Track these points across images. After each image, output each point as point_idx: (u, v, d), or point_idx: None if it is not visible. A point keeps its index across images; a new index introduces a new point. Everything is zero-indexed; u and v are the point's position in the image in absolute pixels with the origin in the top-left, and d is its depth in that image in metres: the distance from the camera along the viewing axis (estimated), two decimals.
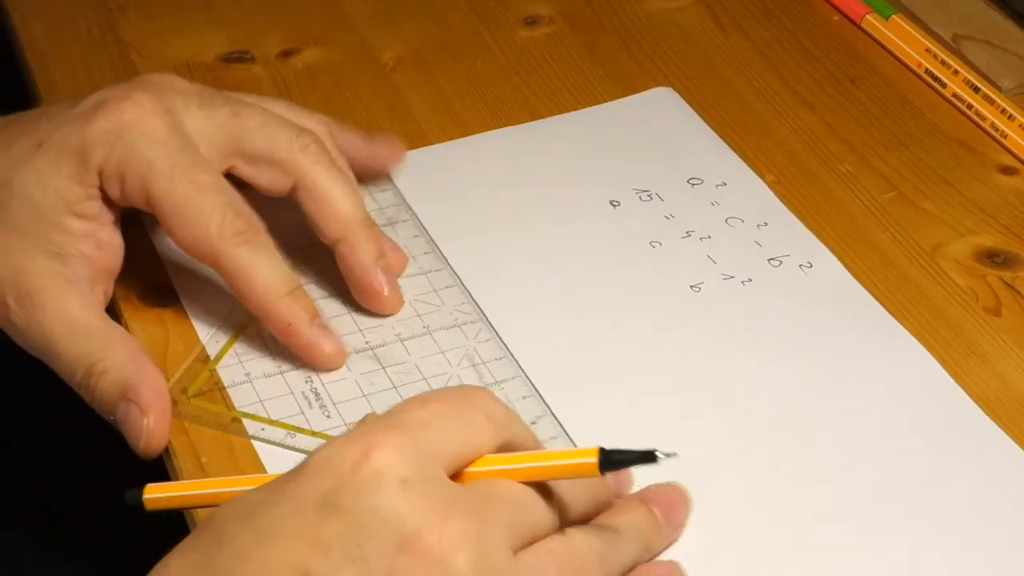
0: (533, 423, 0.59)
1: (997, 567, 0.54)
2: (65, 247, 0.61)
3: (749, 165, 0.72)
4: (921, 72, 0.78)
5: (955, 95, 0.76)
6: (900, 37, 0.80)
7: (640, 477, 0.54)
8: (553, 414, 0.59)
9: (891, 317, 0.64)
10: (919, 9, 0.82)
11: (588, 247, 0.68)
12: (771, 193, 0.71)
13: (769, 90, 0.78)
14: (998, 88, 0.76)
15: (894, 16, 0.81)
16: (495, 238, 0.68)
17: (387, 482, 0.46)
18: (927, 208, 0.70)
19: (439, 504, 0.46)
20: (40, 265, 0.60)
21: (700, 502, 0.55)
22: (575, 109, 0.76)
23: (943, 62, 0.77)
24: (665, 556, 0.54)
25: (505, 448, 0.50)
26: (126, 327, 0.63)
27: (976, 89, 0.76)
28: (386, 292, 0.63)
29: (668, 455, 0.48)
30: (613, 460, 0.49)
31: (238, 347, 0.62)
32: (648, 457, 0.48)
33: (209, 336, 0.63)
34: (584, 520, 0.52)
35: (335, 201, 0.63)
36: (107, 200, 0.61)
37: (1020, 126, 0.73)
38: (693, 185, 0.71)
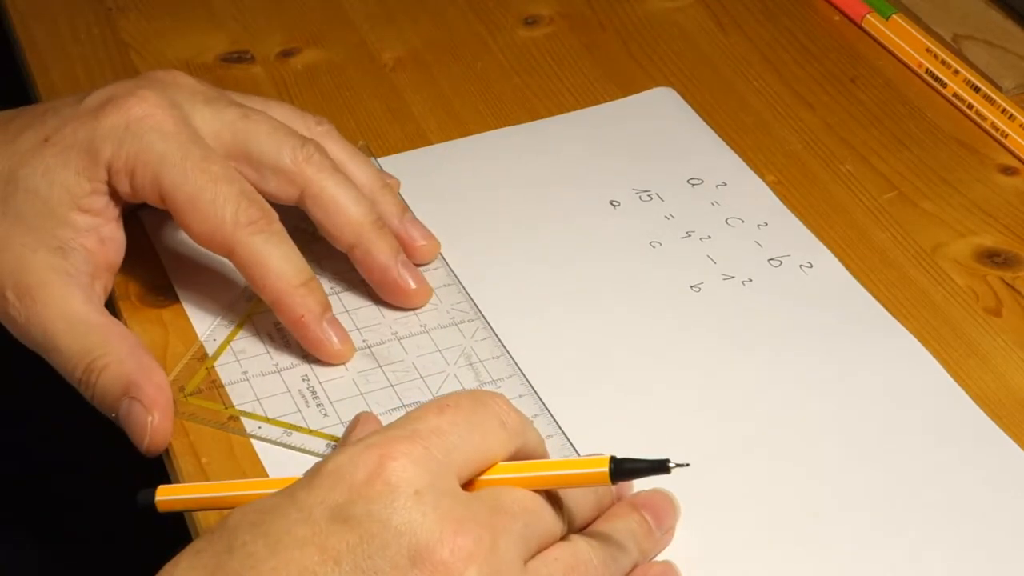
0: None
1: (997, 567, 0.54)
2: (68, 241, 0.61)
3: (749, 165, 0.72)
4: (921, 72, 0.78)
5: (955, 95, 0.76)
6: (900, 37, 0.80)
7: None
8: (550, 412, 0.59)
9: (891, 317, 0.64)
10: (919, 9, 0.82)
11: (588, 247, 0.68)
12: (771, 193, 0.71)
13: (769, 90, 0.78)
14: (998, 88, 0.76)
15: (894, 16, 0.80)
16: (494, 238, 0.68)
17: (400, 494, 0.46)
18: (927, 208, 0.70)
19: (452, 517, 0.46)
20: (41, 259, 0.60)
21: (700, 502, 0.55)
22: (575, 109, 0.76)
23: (943, 62, 0.77)
24: (664, 556, 0.54)
25: (518, 455, 0.50)
26: (125, 326, 0.63)
27: (976, 89, 0.76)
28: (413, 286, 0.64)
29: (680, 465, 0.48)
30: (624, 470, 0.49)
31: (235, 345, 0.62)
32: (660, 467, 0.48)
33: (206, 334, 0.63)
34: (586, 525, 0.52)
35: (344, 208, 0.63)
36: (113, 196, 0.62)
37: (1020, 126, 0.73)
38: (693, 185, 0.71)
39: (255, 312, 0.64)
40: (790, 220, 0.69)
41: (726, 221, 0.69)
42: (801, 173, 0.72)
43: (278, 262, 0.60)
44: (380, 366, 0.61)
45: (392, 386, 0.60)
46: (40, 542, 0.79)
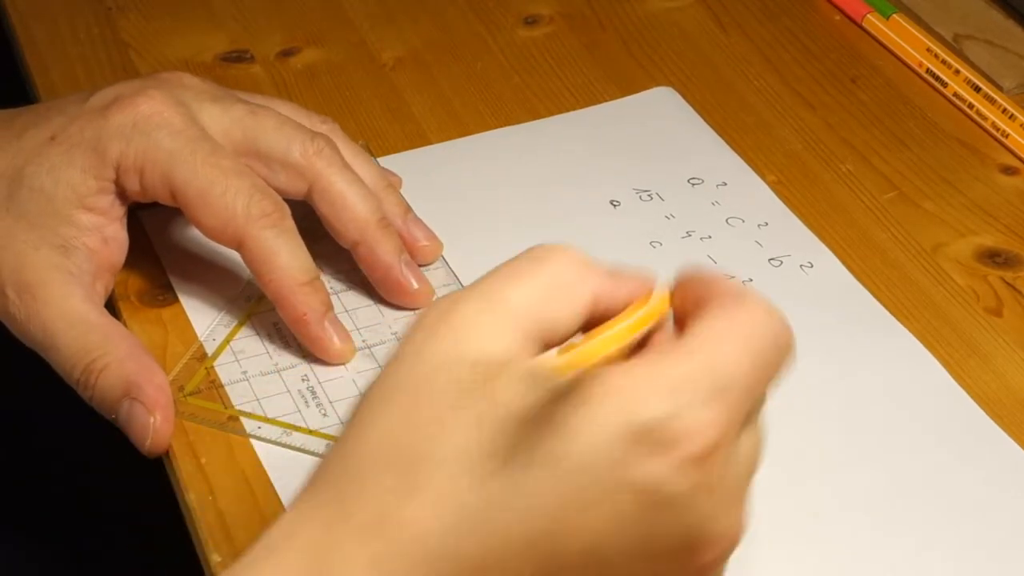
0: None
1: (997, 567, 0.54)
2: (71, 240, 0.61)
3: (750, 165, 0.72)
4: (922, 72, 0.78)
5: (956, 95, 0.76)
6: (901, 37, 0.80)
7: None
8: None
9: (892, 317, 0.64)
10: (920, 9, 0.82)
11: (588, 247, 0.67)
12: (772, 193, 0.71)
13: (770, 90, 0.78)
14: (999, 88, 0.76)
15: (895, 16, 0.80)
16: (494, 238, 0.68)
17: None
18: (928, 208, 0.70)
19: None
20: (43, 257, 0.60)
21: None
22: (575, 109, 0.76)
23: (944, 62, 0.77)
24: None
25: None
26: (124, 326, 0.63)
27: (977, 89, 0.76)
28: (415, 286, 0.64)
29: None
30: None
31: (235, 345, 0.62)
32: None
33: (206, 334, 0.63)
34: None
35: (351, 204, 0.63)
36: (118, 195, 0.61)
37: (1021, 125, 0.73)
38: (693, 185, 0.71)
39: (255, 312, 0.64)
40: (790, 220, 0.69)
41: (726, 221, 0.69)
42: (802, 173, 0.72)
43: (286, 258, 0.60)
44: (380, 366, 0.61)
45: None
46: (40, 542, 0.79)
